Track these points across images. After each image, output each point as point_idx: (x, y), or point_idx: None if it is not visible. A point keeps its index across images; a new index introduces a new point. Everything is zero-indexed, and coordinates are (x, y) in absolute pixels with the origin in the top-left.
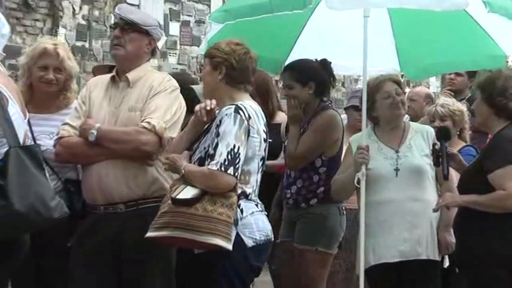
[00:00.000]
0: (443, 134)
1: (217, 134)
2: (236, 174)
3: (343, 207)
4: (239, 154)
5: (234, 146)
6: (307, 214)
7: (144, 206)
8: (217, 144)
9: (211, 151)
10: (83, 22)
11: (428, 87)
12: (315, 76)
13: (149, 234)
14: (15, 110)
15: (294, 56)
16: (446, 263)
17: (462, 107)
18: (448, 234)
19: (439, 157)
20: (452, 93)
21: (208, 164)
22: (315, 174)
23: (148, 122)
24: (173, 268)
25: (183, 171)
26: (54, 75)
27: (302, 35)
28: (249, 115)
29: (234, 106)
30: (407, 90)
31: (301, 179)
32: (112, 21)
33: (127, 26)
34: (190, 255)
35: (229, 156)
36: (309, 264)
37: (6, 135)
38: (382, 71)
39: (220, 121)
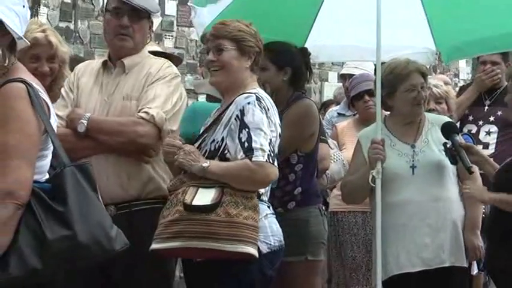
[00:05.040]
0: (450, 129)
1: (244, 125)
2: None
3: (323, 207)
4: (274, 146)
5: (271, 137)
6: (287, 220)
7: (138, 208)
8: (250, 136)
9: (245, 144)
10: (68, 0)
11: (458, 74)
12: (293, 62)
13: (156, 245)
14: (54, 119)
15: (312, 41)
16: (475, 270)
17: (450, 88)
18: (475, 238)
19: (455, 155)
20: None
21: (250, 157)
22: (291, 172)
23: (146, 112)
24: (172, 284)
25: (204, 164)
26: (48, 66)
27: (319, 16)
28: (267, 106)
29: (254, 95)
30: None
31: None
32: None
33: (135, 13)
34: (192, 266)
35: (271, 147)
36: (299, 276)
37: (58, 152)
38: (414, 53)
39: (242, 111)
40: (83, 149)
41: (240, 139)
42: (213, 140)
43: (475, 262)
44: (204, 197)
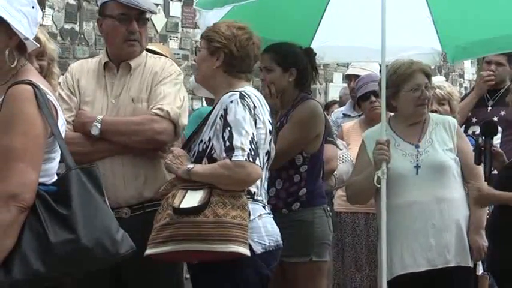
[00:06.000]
0: (489, 129)
1: (227, 124)
2: (261, 166)
3: (328, 208)
4: (257, 143)
5: (253, 135)
6: (291, 221)
7: (151, 209)
8: (231, 135)
9: (226, 143)
10: (72, 2)
11: (463, 74)
12: (298, 63)
13: (150, 251)
14: (62, 121)
15: (318, 42)
16: (480, 270)
17: (455, 90)
18: (479, 238)
19: (482, 154)
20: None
21: (230, 157)
22: (296, 173)
23: (160, 109)
24: (182, 285)
25: (188, 167)
26: (37, 63)
27: (325, 17)
28: (254, 104)
29: (238, 93)
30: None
31: (280, 178)
32: None
33: (141, 17)
34: (193, 267)
35: (253, 146)
36: (304, 277)
37: (64, 155)
38: (420, 54)
39: (225, 110)
40: (97, 152)
41: (223, 138)
42: (201, 141)
43: (480, 262)
44: (192, 199)
